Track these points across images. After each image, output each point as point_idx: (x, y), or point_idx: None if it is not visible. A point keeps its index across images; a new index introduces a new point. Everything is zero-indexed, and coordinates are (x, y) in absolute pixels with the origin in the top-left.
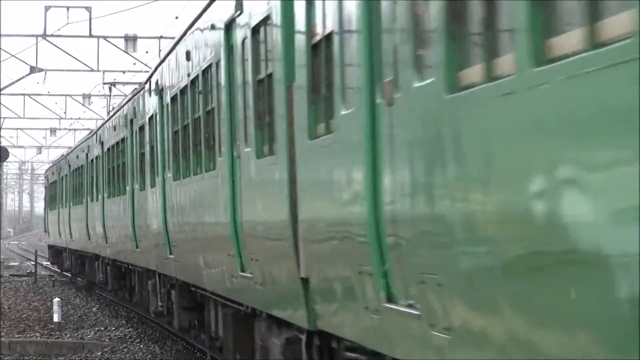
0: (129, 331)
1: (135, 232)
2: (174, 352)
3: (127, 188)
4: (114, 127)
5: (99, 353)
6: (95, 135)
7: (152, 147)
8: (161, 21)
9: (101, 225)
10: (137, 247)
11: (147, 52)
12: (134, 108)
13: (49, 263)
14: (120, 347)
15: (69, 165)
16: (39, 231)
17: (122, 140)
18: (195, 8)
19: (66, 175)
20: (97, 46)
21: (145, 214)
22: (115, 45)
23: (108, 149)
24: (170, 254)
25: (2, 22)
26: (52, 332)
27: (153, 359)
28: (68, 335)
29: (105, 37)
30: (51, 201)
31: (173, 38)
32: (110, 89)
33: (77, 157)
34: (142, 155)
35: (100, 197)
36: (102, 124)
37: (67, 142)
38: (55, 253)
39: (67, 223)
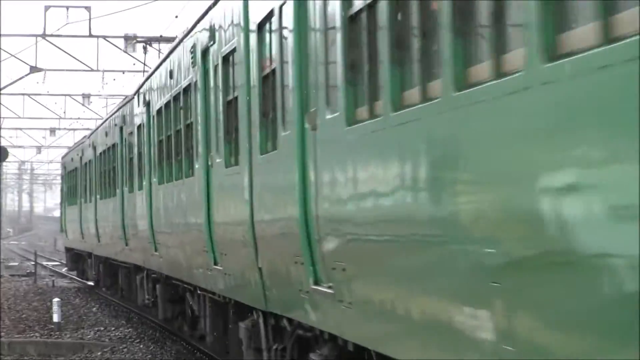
0: (129, 331)
1: (214, 238)
2: (174, 352)
3: (197, 166)
4: (169, 73)
5: (99, 353)
6: (136, 97)
7: (267, 77)
8: (161, 21)
9: (147, 226)
10: (216, 264)
11: (147, 52)
12: (212, 27)
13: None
14: (120, 347)
15: (94, 148)
16: (38, 231)
17: (185, 90)
18: (194, 8)
19: (90, 161)
20: (97, 46)
21: (238, 206)
22: (115, 45)
23: (158, 112)
24: (319, 283)
25: (2, 22)
26: (52, 332)
27: (153, 359)
28: (68, 335)
29: (105, 37)
30: (69, 194)
31: (174, 38)
32: (145, 47)
33: (107, 134)
34: (231, 104)
35: (145, 184)
36: (148, 77)
37: (66, 142)
38: (75, 258)
39: (92, 221)
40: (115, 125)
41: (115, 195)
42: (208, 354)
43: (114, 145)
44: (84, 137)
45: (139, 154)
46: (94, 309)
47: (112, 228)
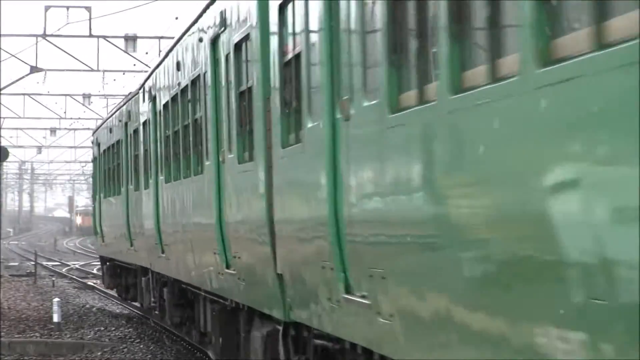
0: (129, 331)
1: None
2: (174, 352)
3: None
4: None
5: (99, 353)
6: None
7: None
8: (161, 21)
9: (328, 237)
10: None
11: (147, 52)
12: None
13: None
14: (120, 347)
15: (153, 100)
16: (38, 231)
17: None
18: (194, 8)
19: (145, 124)
20: (97, 46)
21: None
22: (115, 45)
23: None
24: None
25: (2, 22)
26: (52, 332)
27: (153, 359)
28: (68, 335)
29: (105, 37)
30: (107, 181)
31: (173, 38)
32: None
33: (179, 65)
34: None
35: (311, 130)
36: None
37: (67, 142)
38: (114, 270)
39: (150, 219)
40: (201, 40)
41: (199, 173)
42: (208, 354)
43: (195, 82)
44: (129, 94)
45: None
46: (94, 309)
47: (194, 232)
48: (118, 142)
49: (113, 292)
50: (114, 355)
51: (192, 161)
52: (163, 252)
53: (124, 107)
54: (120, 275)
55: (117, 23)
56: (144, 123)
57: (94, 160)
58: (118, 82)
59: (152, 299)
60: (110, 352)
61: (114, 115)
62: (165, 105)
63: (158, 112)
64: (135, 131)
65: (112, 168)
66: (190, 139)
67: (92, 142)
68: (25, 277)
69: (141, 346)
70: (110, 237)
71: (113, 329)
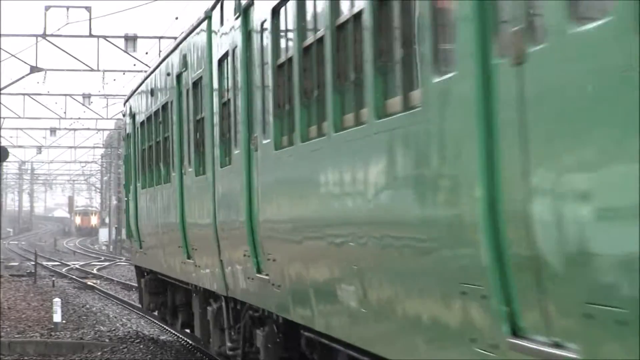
0: (129, 331)
1: None
2: (174, 352)
3: None
4: None
5: (99, 353)
6: None
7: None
8: (161, 21)
9: None
10: None
11: (146, 53)
12: None
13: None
14: (120, 347)
15: (245, 11)
16: (38, 231)
17: None
18: (195, 9)
19: (223, 63)
20: (97, 46)
21: None
22: (116, 45)
23: None
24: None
25: (2, 22)
26: (52, 332)
27: (153, 359)
28: (68, 335)
29: (105, 37)
30: (146, 166)
31: (173, 38)
32: None
33: None
34: None
35: None
36: None
37: (67, 142)
38: (156, 287)
39: (233, 216)
40: None
41: (382, 116)
42: (208, 354)
43: None
44: (182, 32)
45: None
46: (94, 309)
47: (359, 238)
48: (165, 106)
49: (115, 293)
50: (114, 355)
51: (345, 103)
52: (260, 271)
53: (177, 51)
54: (165, 291)
55: (117, 23)
56: (220, 61)
57: (127, 137)
58: (118, 82)
59: (230, 344)
60: (110, 352)
61: (157, 69)
62: (276, 11)
63: (255, 31)
64: (196, 83)
65: (155, 145)
66: (349, 54)
67: (124, 114)
68: (25, 277)
69: (141, 346)
70: (153, 243)
71: (113, 329)
